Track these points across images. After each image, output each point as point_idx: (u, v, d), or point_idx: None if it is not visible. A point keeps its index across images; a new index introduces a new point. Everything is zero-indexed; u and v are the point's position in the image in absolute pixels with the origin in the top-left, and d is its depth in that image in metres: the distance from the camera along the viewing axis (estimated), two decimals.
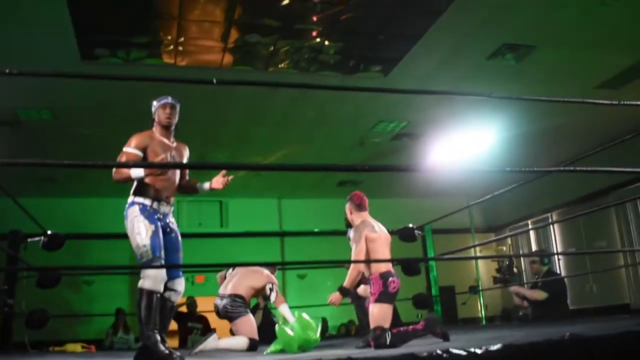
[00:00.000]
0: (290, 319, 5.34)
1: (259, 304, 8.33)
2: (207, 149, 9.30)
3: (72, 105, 7.62)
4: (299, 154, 9.83)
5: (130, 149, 3.70)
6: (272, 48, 6.54)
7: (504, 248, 13.23)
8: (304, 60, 6.88)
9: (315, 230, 11.94)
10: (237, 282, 5.44)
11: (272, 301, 5.64)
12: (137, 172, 3.66)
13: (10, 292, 7.74)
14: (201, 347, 4.92)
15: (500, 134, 8.83)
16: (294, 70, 7.07)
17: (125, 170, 3.66)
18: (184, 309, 8.82)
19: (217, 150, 9.57)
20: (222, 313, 5.33)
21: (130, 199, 3.70)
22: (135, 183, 3.72)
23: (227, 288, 5.45)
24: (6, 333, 7.99)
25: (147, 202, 3.67)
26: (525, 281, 7.16)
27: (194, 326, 8.42)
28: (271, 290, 5.62)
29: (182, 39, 6.28)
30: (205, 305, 8.86)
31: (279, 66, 6.96)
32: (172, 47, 6.44)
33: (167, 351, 3.31)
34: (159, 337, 3.35)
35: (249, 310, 5.44)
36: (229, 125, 8.65)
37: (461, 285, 11.28)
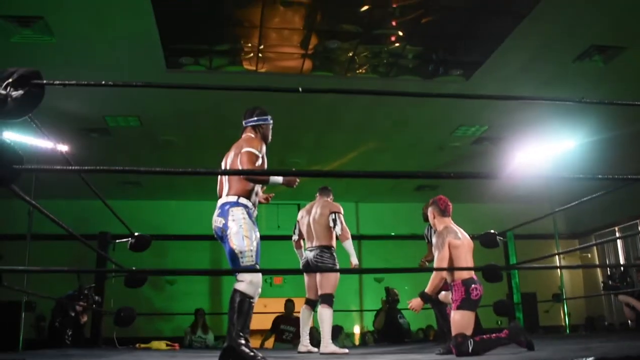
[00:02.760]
0: (354, 259, 5.35)
1: (383, 306, 8.37)
2: (286, 153, 9.43)
3: (158, 113, 7.90)
4: (377, 159, 9.81)
5: (260, 153, 3.76)
6: (351, 53, 6.58)
7: (589, 255, 12.76)
8: (383, 64, 6.89)
9: (392, 234, 11.90)
10: (318, 232, 5.45)
11: (337, 233, 5.39)
12: (275, 179, 3.76)
13: (99, 290, 8.11)
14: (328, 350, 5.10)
15: (584, 138, 8.53)
16: (374, 75, 7.08)
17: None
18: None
19: (296, 155, 9.69)
20: (312, 265, 5.36)
21: (234, 198, 3.69)
22: (240, 183, 3.71)
23: (313, 240, 5.48)
24: (96, 329, 8.37)
25: (250, 205, 3.72)
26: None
27: (286, 329, 8.50)
28: (334, 221, 5.41)
29: (263, 46, 6.40)
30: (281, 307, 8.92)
31: (358, 71, 7.00)
32: (252, 54, 6.58)
33: (252, 353, 3.37)
34: (244, 340, 3.41)
35: (336, 263, 5.44)
36: (307, 130, 8.75)
37: (543, 292, 10.96)
